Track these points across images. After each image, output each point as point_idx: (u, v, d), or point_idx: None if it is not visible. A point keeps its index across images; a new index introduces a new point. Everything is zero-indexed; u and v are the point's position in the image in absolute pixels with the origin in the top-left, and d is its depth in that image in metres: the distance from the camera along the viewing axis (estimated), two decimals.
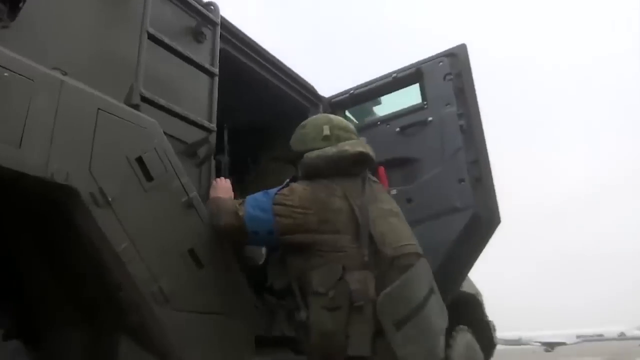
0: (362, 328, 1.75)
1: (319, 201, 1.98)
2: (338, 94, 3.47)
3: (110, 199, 1.71)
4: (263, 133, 3.84)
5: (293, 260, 2.04)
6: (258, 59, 3.12)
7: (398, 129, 3.04)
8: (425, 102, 3.00)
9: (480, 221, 2.66)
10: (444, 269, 2.65)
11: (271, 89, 3.34)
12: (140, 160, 1.88)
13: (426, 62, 3.06)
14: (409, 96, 3.20)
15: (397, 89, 3.27)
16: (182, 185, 2.04)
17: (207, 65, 2.40)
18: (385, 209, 2.09)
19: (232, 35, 2.89)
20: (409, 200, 2.86)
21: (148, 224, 1.86)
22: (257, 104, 3.54)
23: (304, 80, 3.52)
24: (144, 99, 2.04)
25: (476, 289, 4.86)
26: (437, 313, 1.96)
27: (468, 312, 4.99)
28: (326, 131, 2.21)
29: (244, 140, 3.99)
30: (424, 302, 1.88)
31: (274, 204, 2.00)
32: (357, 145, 2.16)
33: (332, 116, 2.42)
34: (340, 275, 1.83)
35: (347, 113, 3.58)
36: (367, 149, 2.19)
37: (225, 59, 2.92)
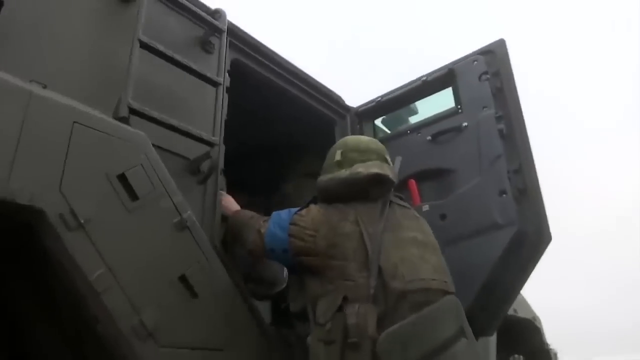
0: None
1: (330, 225, 1.84)
2: (365, 103, 3.20)
3: (82, 221, 1.53)
4: (288, 149, 3.64)
5: (309, 283, 1.87)
6: (275, 68, 2.92)
7: (429, 137, 2.72)
8: (459, 106, 2.67)
9: (526, 239, 2.28)
10: (487, 293, 2.30)
11: (293, 101, 3.13)
12: (122, 178, 1.70)
13: (459, 62, 2.74)
14: (445, 102, 2.88)
15: (429, 94, 2.96)
16: (174, 205, 1.84)
17: (209, 75, 2.21)
18: (407, 237, 1.86)
19: (244, 43, 2.71)
20: (443, 217, 2.53)
21: (131, 248, 1.66)
22: (279, 118, 3.35)
23: (328, 90, 3.29)
24: (134, 111, 1.87)
25: (533, 313, 4.37)
26: None
27: (524, 340, 4.50)
28: (338, 157, 2.08)
29: (267, 158, 3.81)
30: (446, 345, 1.62)
31: (290, 223, 1.90)
32: (372, 166, 1.97)
33: (349, 139, 2.25)
34: (339, 307, 1.63)
35: (376, 123, 3.30)
36: (384, 169, 1.99)
37: (240, 71, 2.75)
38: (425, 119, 2.85)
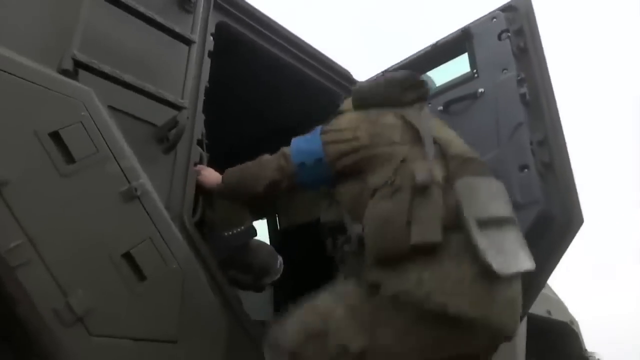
0: (429, 211, 1.41)
1: (369, 120, 1.73)
2: (374, 76, 2.87)
3: None
4: (291, 128, 3.34)
5: (348, 187, 1.71)
6: (271, 35, 2.64)
7: (441, 107, 2.37)
8: (474, 71, 2.31)
9: (552, 221, 1.90)
10: None
11: (292, 73, 2.84)
12: (56, 136, 1.45)
13: (475, 22, 2.38)
14: (462, 70, 2.52)
15: (443, 62, 2.60)
16: (122, 171, 1.58)
17: (179, 31, 1.94)
18: (449, 130, 1.82)
19: (233, 5, 2.44)
20: None
21: (61, 217, 1.41)
22: (277, 93, 3.06)
23: (334, 62, 2.98)
24: (80, 65, 1.62)
25: (570, 316, 3.91)
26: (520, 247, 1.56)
27: (561, 345, 4.04)
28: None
29: (268, 140, 3.53)
30: (507, 221, 1.52)
31: (321, 133, 1.77)
32: (407, 73, 1.90)
33: None
34: (402, 160, 1.55)
35: None
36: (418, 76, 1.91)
37: (229, 37, 2.49)
38: (435, 88, 2.50)
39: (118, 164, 1.57)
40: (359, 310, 1.46)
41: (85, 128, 1.52)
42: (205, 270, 1.89)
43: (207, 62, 2.24)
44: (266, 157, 1.88)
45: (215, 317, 1.72)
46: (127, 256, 1.51)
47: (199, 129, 2.12)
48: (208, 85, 2.23)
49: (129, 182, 1.58)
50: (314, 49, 2.91)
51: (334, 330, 1.45)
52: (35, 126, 1.41)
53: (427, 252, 1.37)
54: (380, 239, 1.44)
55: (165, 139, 1.91)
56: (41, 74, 1.47)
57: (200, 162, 2.19)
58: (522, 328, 3.41)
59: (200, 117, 2.14)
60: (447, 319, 1.33)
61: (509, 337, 1.49)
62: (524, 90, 2.07)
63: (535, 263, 1.94)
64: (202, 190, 2.10)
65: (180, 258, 1.64)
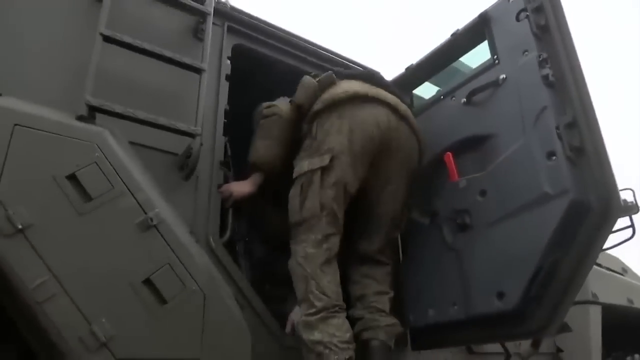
0: None
1: None
2: (397, 76, 2.81)
3: (20, 227, 1.44)
4: None
5: None
6: (289, 49, 2.67)
7: (464, 100, 2.26)
8: (495, 56, 2.18)
9: (587, 210, 1.75)
10: (541, 284, 1.81)
11: None
12: (73, 178, 1.58)
13: (493, 5, 2.25)
14: (485, 58, 2.40)
15: (464, 52, 2.48)
16: (138, 203, 1.68)
17: (187, 61, 2.04)
18: None
19: (247, 27, 2.51)
20: (483, 193, 2.06)
21: (82, 252, 1.54)
22: None
23: (359, 65, 2.95)
24: (94, 108, 1.76)
25: None
26: None
27: None
28: None
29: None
30: None
31: None
32: None
33: None
34: None
35: (416, 93, 2.91)
36: None
37: (247, 56, 2.55)
38: (459, 80, 2.39)
39: (133, 197, 1.68)
40: None
41: (99, 167, 1.64)
42: (234, 288, 1.97)
43: (225, 85, 2.32)
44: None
45: (240, 334, 1.77)
46: (147, 282, 1.61)
47: (220, 152, 2.20)
48: (228, 108, 2.31)
49: (145, 212, 1.68)
50: (339, 55, 2.90)
51: None
52: (53, 171, 1.55)
53: None
54: None
55: (185, 165, 2.01)
56: (56, 123, 1.61)
57: (226, 180, 2.27)
58: (596, 317, 3.15)
59: (221, 140, 2.22)
60: None
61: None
62: (546, 71, 1.93)
63: (570, 259, 1.80)
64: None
65: (200, 280, 1.72)
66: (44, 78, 1.85)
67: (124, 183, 1.68)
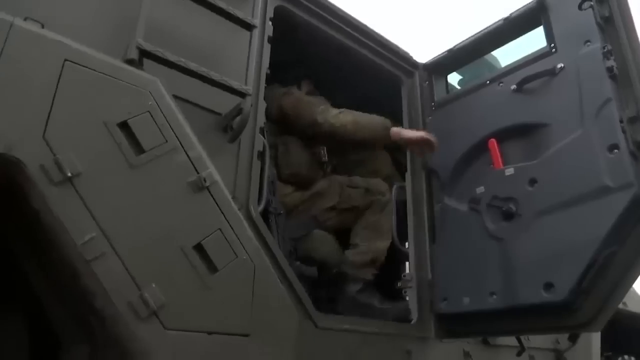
0: None
1: None
2: (436, 57, 2.73)
3: (70, 174, 1.27)
4: None
5: None
6: (332, 19, 2.55)
7: (514, 87, 2.20)
8: (552, 45, 2.12)
9: None
10: (593, 277, 1.78)
11: (352, 57, 2.75)
12: (125, 127, 1.42)
13: None
14: (534, 46, 2.34)
15: (514, 37, 2.43)
16: (191, 161, 1.54)
17: (240, 15, 1.88)
18: None
19: None
20: (532, 182, 2.02)
21: (133, 209, 1.38)
22: (337, 77, 2.96)
23: (394, 45, 2.86)
24: (145, 53, 1.59)
25: None
26: None
27: (636, 338, 3.79)
28: None
29: None
30: None
31: None
32: None
33: None
34: None
35: (450, 82, 2.83)
36: None
37: (289, 21, 2.41)
38: (508, 65, 2.33)
39: (186, 153, 1.53)
40: None
41: (153, 118, 1.48)
42: (273, 262, 1.85)
43: (267, 47, 2.18)
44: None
45: (286, 310, 1.66)
46: (199, 248, 1.47)
47: (262, 117, 2.07)
48: (269, 72, 2.17)
49: (197, 172, 1.53)
50: (375, 32, 2.79)
51: None
52: (105, 117, 1.39)
53: None
54: None
55: (229, 127, 1.87)
56: (108, 63, 1.44)
57: (263, 152, 2.15)
58: None
59: (263, 105, 2.09)
60: None
61: None
62: (611, 63, 1.89)
63: (628, 254, 1.78)
64: None
65: (250, 249, 1.59)
66: (87, 18, 1.66)
67: (177, 138, 1.52)
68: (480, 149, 2.26)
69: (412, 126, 2.74)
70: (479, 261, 2.11)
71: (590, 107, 1.89)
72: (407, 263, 2.53)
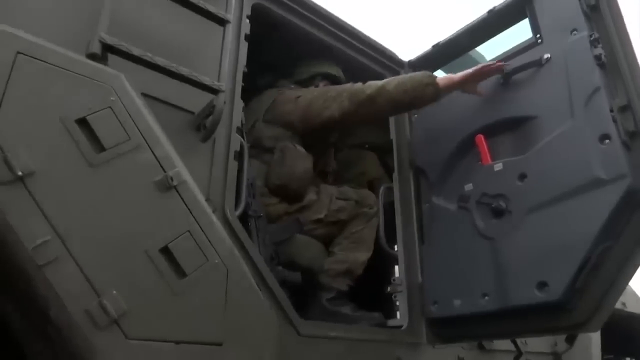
0: None
1: None
2: (422, 54, 2.66)
3: (20, 173, 1.18)
4: None
5: None
6: (312, 17, 2.48)
7: (500, 80, 2.13)
8: (538, 35, 2.06)
9: None
10: (588, 275, 1.70)
11: (335, 56, 2.68)
12: (84, 123, 1.33)
13: None
14: (521, 39, 2.28)
15: (500, 30, 2.36)
16: (157, 159, 1.45)
17: (212, 10, 1.81)
18: None
19: None
20: (522, 177, 1.94)
21: (92, 210, 1.29)
22: None
23: (379, 44, 2.79)
24: (109, 48, 1.51)
25: None
26: None
27: (636, 340, 3.69)
28: None
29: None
30: None
31: None
32: None
33: None
34: None
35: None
36: None
37: (267, 20, 2.35)
38: (494, 59, 2.26)
39: (152, 151, 1.44)
40: None
41: (115, 114, 1.39)
42: (251, 267, 1.76)
43: (244, 45, 2.11)
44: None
45: (264, 317, 1.56)
46: (165, 251, 1.37)
47: (238, 116, 1.98)
48: (246, 70, 2.10)
49: (164, 170, 1.44)
50: (359, 31, 2.73)
51: None
52: (61, 112, 1.30)
53: None
54: None
55: (203, 126, 1.78)
56: (66, 57, 1.35)
57: (241, 152, 2.06)
58: None
59: (239, 104, 2.01)
60: None
61: None
62: (598, 51, 1.82)
63: (623, 250, 1.69)
64: None
65: (223, 253, 1.49)
66: (47, 12, 1.59)
67: (141, 134, 1.43)
68: (467, 145, 2.18)
69: (398, 125, 2.67)
70: (470, 261, 2.02)
71: (579, 97, 1.82)
72: (396, 267, 2.43)
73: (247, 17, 2.17)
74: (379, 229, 2.47)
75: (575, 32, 1.91)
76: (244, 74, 2.09)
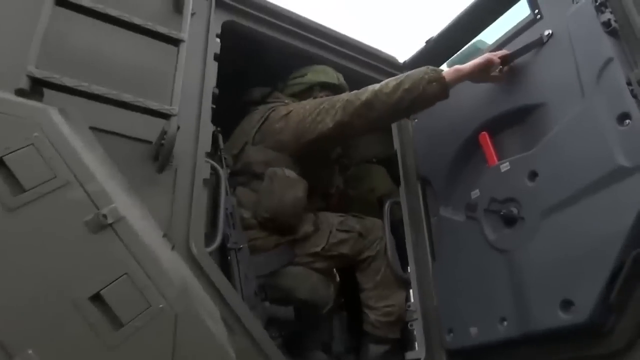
0: None
1: None
2: (416, 52, 2.43)
3: None
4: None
5: None
6: (297, 30, 2.33)
7: (500, 67, 1.85)
8: (536, 11, 1.77)
9: None
10: (623, 285, 1.37)
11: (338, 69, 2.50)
12: (1, 164, 1.22)
13: None
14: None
15: (497, 15, 2.09)
16: (88, 196, 1.30)
17: (163, 30, 1.68)
18: None
19: (240, 2, 2.16)
20: (533, 175, 1.64)
21: (8, 259, 1.15)
22: None
23: (373, 49, 2.58)
24: (39, 82, 1.41)
25: None
26: None
27: None
28: None
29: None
30: None
31: None
32: None
33: None
34: None
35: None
36: None
37: (247, 37, 2.22)
38: (491, 45, 1.99)
39: (83, 188, 1.30)
40: None
41: (38, 151, 1.27)
42: (223, 306, 1.57)
43: (213, 65, 1.97)
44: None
45: None
46: (97, 298, 1.21)
47: (206, 141, 1.83)
48: (217, 92, 1.95)
49: (97, 208, 1.29)
50: (350, 38, 2.54)
51: None
52: None
53: None
54: None
55: (160, 155, 1.64)
56: None
57: (217, 179, 1.90)
58: None
59: (208, 128, 1.85)
60: None
61: None
62: (606, 16, 1.53)
63: None
64: None
65: (170, 295, 1.31)
66: None
67: (70, 171, 1.30)
68: (472, 145, 1.91)
69: (401, 133, 2.43)
70: (484, 280, 1.73)
71: (588, 74, 1.52)
72: (410, 291, 2.15)
73: (217, 35, 2.04)
74: (386, 248, 2.20)
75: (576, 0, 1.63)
76: (217, 95, 1.94)
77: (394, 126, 2.43)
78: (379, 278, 2.14)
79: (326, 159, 2.37)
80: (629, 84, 1.43)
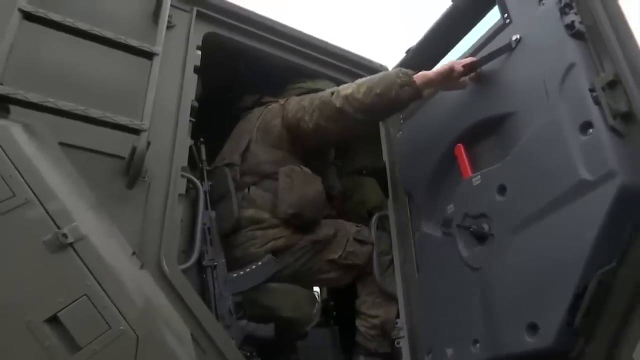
0: None
1: None
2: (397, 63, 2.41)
3: None
4: None
5: None
6: (282, 41, 2.34)
7: (471, 74, 1.82)
8: (506, 15, 1.74)
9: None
10: (590, 304, 1.31)
11: (312, 77, 2.49)
12: None
13: None
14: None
15: (474, 22, 2.06)
16: (49, 215, 1.30)
17: (135, 44, 1.68)
18: None
19: (222, 13, 2.16)
20: (502, 190, 1.60)
21: None
22: None
23: (362, 58, 2.57)
24: (3, 98, 1.41)
25: None
26: None
27: None
28: None
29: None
30: None
31: None
32: None
33: None
34: None
35: None
36: None
37: (229, 49, 2.24)
38: (467, 51, 1.96)
39: (43, 207, 1.30)
40: None
41: None
42: (195, 326, 1.54)
43: (192, 78, 1.97)
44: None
45: None
46: (54, 320, 1.21)
47: (182, 155, 1.82)
48: (196, 105, 1.94)
49: (58, 227, 1.29)
50: (337, 47, 2.52)
51: None
52: None
53: None
54: None
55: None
56: None
57: (197, 195, 1.90)
58: None
59: (185, 142, 1.85)
60: None
61: None
62: (570, 18, 1.47)
63: (632, 268, 1.30)
64: None
65: (131, 317, 1.30)
66: None
67: (30, 189, 1.30)
68: (449, 158, 1.87)
69: (389, 144, 2.41)
70: (460, 300, 1.69)
71: (553, 80, 1.49)
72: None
73: (198, 47, 2.04)
74: (372, 263, 2.18)
75: (543, 1, 1.60)
76: (196, 108, 1.93)
77: (382, 138, 2.41)
78: (377, 288, 2.17)
79: (322, 160, 2.42)
80: (592, 90, 1.38)
